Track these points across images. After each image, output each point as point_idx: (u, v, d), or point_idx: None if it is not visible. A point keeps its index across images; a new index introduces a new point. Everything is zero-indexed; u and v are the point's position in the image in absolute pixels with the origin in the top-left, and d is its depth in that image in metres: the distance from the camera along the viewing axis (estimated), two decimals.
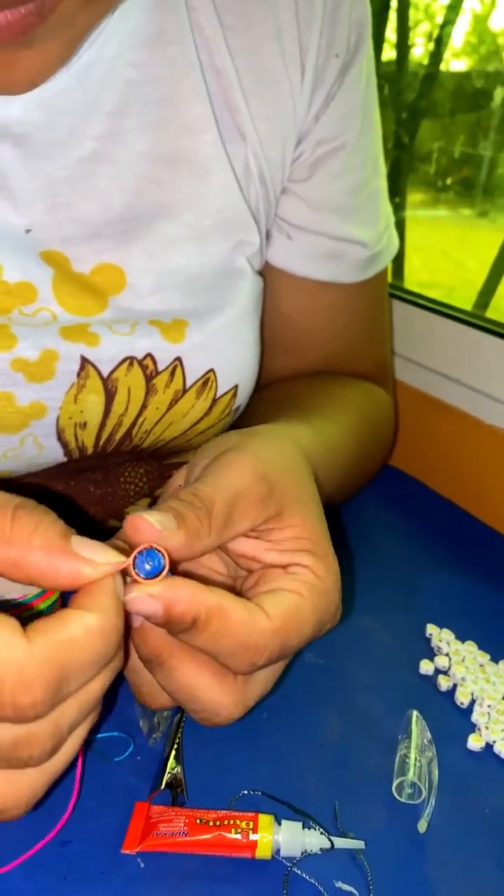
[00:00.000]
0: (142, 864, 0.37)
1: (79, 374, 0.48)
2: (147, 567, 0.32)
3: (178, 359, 0.51)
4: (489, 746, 0.46)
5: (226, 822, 0.38)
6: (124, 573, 0.32)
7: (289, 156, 0.55)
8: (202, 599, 0.32)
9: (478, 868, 0.39)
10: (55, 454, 0.50)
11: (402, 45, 0.85)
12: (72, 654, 0.28)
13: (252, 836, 0.38)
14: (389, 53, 0.87)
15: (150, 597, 0.32)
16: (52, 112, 0.46)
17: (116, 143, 0.48)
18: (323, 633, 0.37)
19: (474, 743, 0.46)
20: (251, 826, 0.38)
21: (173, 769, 0.41)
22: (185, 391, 0.52)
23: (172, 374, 0.51)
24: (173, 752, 0.42)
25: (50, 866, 0.37)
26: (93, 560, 0.30)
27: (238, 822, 0.38)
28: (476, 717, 0.48)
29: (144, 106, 0.48)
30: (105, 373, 0.49)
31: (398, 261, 0.87)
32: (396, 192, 0.87)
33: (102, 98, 0.47)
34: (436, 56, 0.82)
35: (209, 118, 0.50)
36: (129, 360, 0.49)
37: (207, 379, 0.52)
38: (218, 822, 0.38)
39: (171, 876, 0.37)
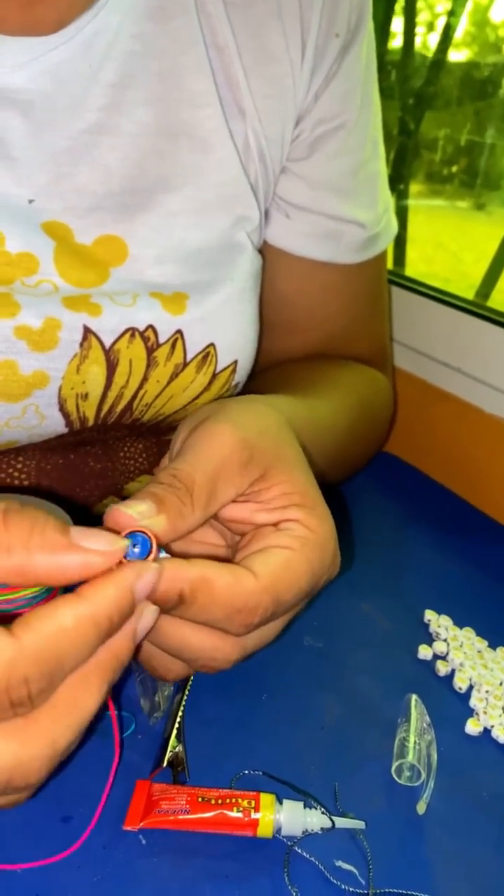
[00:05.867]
0: (143, 841, 0.37)
1: (81, 345, 0.48)
2: (136, 550, 0.31)
3: (179, 331, 0.51)
4: (487, 731, 0.46)
5: (227, 801, 0.38)
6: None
7: (288, 134, 0.54)
8: (184, 575, 0.32)
9: (475, 850, 0.39)
10: (56, 425, 0.50)
11: (409, 32, 0.85)
12: (63, 644, 0.27)
13: (254, 815, 0.38)
14: (396, 42, 0.87)
15: None
16: (56, 81, 0.46)
17: (119, 115, 0.48)
18: (322, 584, 0.37)
19: (472, 727, 0.46)
20: (253, 805, 0.38)
21: (175, 748, 0.41)
22: (185, 365, 0.52)
23: (173, 346, 0.51)
24: (175, 731, 0.42)
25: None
26: (99, 549, 0.29)
27: (240, 800, 0.38)
28: (474, 702, 0.48)
29: (147, 78, 0.48)
30: (107, 344, 0.48)
31: (400, 248, 0.87)
32: (400, 179, 0.86)
33: (105, 69, 0.47)
34: (443, 44, 0.82)
35: (211, 93, 0.50)
36: (131, 331, 0.49)
37: (207, 353, 0.52)
38: (220, 801, 0.38)
39: (173, 853, 0.37)
